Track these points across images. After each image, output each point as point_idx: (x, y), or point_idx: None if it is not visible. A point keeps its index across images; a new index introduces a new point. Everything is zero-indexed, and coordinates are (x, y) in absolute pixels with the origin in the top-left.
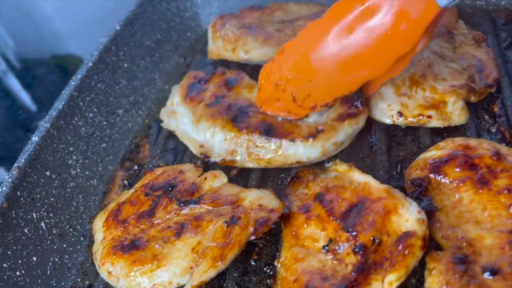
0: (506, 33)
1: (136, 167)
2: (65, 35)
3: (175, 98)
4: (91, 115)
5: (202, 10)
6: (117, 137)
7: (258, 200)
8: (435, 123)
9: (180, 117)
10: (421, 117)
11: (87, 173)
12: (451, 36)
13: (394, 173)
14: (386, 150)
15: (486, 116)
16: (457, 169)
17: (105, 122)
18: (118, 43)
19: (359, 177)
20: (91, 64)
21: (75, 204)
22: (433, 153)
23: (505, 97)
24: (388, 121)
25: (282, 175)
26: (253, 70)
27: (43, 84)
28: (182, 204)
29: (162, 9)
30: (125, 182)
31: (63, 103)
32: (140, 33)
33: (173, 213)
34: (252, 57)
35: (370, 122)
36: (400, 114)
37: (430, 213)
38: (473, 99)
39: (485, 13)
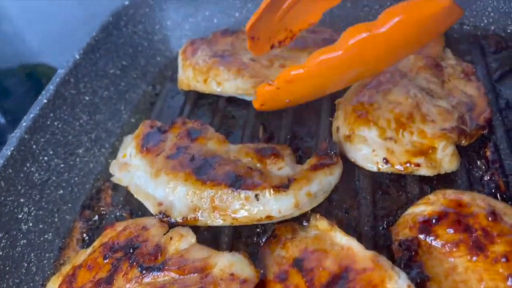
0: (497, 63)
1: (96, 217)
2: (36, 45)
3: (129, 149)
4: (46, 158)
5: (172, 33)
6: (77, 181)
7: (230, 267)
8: (424, 171)
9: (134, 170)
10: (408, 165)
11: (40, 226)
12: (439, 69)
13: (380, 228)
14: (371, 200)
15: (478, 161)
16: (450, 230)
17: (62, 165)
18: (77, 73)
19: (342, 239)
20: (45, 100)
21: (26, 265)
22: (422, 209)
23: (497, 139)
24: (373, 168)
25: (258, 230)
26: (227, 102)
27: (13, 95)
28: (144, 271)
29: (129, 32)
30: (84, 235)
31: (11, 148)
32: (103, 61)
33: (134, 282)
34: (225, 90)
35: (354, 168)
36: (386, 161)
37: (421, 283)
38: (464, 142)
39: (473, 39)
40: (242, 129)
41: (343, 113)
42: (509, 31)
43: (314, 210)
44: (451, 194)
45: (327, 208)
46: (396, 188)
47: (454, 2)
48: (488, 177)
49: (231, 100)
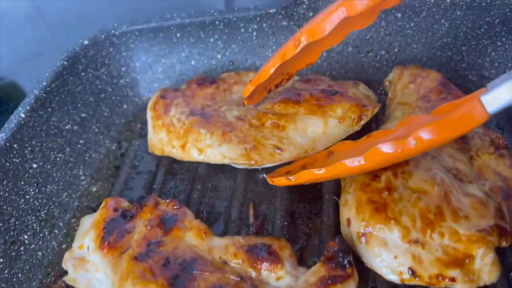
0: None
1: None
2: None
3: (86, 239)
4: None
5: (142, 76)
6: (20, 279)
7: None
8: (460, 286)
9: (93, 269)
10: (441, 279)
11: None
12: (465, 141)
13: None
14: None
15: None
16: None
17: (1, 260)
18: (23, 136)
19: None
20: None
21: None
22: None
23: None
24: (394, 279)
25: None
26: (209, 167)
27: None
28: None
29: (88, 77)
30: None
31: None
32: (56, 116)
33: None
34: (209, 158)
35: (369, 272)
36: (412, 272)
37: None
38: (504, 244)
39: None
40: (227, 208)
41: (355, 202)
42: None
43: None
44: None
45: None
46: None
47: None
48: None
49: (214, 166)
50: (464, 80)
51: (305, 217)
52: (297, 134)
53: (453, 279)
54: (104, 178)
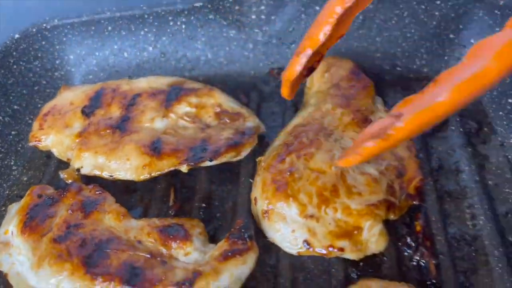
0: None
1: None
2: None
3: (11, 225)
4: None
5: (76, 69)
6: None
7: None
8: (349, 255)
9: (15, 252)
10: (331, 249)
11: None
12: (368, 123)
13: None
14: None
15: (408, 238)
16: None
17: None
18: None
19: None
20: None
21: None
22: None
23: (428, 208)
24: (292, 251)
25: None
26: None
27: None
28: None
29: (21, 70)
30: None
31: None
32: None
33: None
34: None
35: (272, 247)
36: (307, 243)
37: None
38: (393, 217)
39: (406, 83)
40: (149, 193)
41: (261, 182)
42: None
43: None
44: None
45: None
46: (320, 271)
47: None
48: (418, 258)
49: None
50: (379, 69)
51: (222, 199)
52: None
53: (342, 249)
54: (35, 167)
